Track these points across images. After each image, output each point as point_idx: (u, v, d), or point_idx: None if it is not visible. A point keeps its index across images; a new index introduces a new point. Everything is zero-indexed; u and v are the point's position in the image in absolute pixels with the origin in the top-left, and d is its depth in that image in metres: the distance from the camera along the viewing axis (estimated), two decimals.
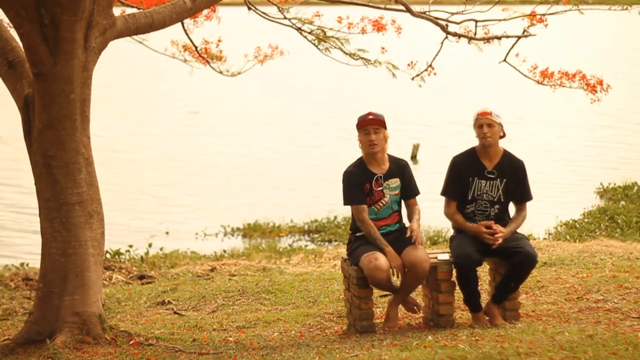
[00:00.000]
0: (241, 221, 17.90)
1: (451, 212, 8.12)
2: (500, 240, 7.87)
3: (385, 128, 8.02)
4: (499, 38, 9.65)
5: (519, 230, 8.12)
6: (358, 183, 7.99)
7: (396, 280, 8.18)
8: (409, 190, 8.09)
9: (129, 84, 41.79)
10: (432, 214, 12.77)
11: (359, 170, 8.04)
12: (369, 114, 8.03)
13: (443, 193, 8.16)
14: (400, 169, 8.05)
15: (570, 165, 24.21)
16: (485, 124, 8.00)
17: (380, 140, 7.98)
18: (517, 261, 7.83)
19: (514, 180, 8.08)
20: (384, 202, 8.02)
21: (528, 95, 31.71)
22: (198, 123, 31.56)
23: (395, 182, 8.03)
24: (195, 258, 14.14)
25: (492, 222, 7.97)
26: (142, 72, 45.54)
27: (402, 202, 8.12)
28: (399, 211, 8.11)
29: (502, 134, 8.07)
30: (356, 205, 7.97)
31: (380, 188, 8.00)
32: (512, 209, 8.23)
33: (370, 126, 7.98)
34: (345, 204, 8.05)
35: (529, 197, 8.16)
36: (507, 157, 8.13)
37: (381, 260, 7.77)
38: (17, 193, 21.01)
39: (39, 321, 7.74)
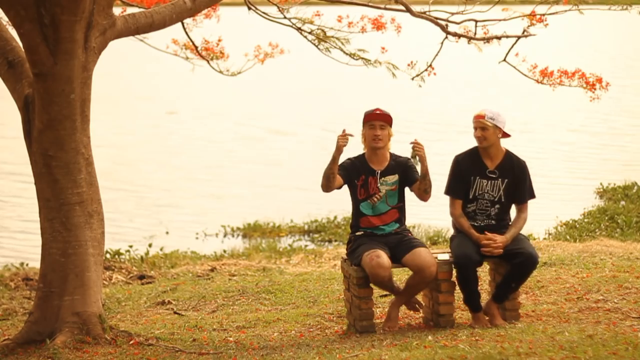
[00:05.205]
0: (241, 221, 17.87)
1: (457, 214, 8.09)
2: (500, 251, 7.88)
3: (391, 126, 8.04)
4: (498, 38, 9.64)
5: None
6: (354, 169, 8.03)
7: (397, 282, 8.18)
8: (410, 179, 8.05)
9: (128, 83, 41.77)
10: (431, 214, 12.77)
11: (359, 162, 8.08)
12: (377, 109, 8.05)
13: (447, 192, 8.17)
14: (399, 165, 8.06)
15: (570, 165, 24.18)
16: (478, 127, 8.02)
17: (385, 137, 7.99)
18: (518, 262, 7.84)
19: (515, 181, 8.08)
20: (378, 196, 8.02)
21: (528, 95, 31.70)
22: (198, 122, 31.55)
23: (393, 178, 8.03)
24: (195, 258, 14.12)
25: (493, 234, 7.95)
26: (140, 71, 45.52)
27: (401, 199, 8.10)
28: (398, 209, 8.09)
29: (500, 135, 8.06)
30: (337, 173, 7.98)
31: (377, 184, 8.01)
32: (512, 210, 8.23)
33: (377, 121, 7.98)
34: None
35: (530, 196, 8.13)
36: (509, 157, 8.12)
37: (383, 257, 7.77)
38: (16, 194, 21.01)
39: (39, 321, 7.75)
